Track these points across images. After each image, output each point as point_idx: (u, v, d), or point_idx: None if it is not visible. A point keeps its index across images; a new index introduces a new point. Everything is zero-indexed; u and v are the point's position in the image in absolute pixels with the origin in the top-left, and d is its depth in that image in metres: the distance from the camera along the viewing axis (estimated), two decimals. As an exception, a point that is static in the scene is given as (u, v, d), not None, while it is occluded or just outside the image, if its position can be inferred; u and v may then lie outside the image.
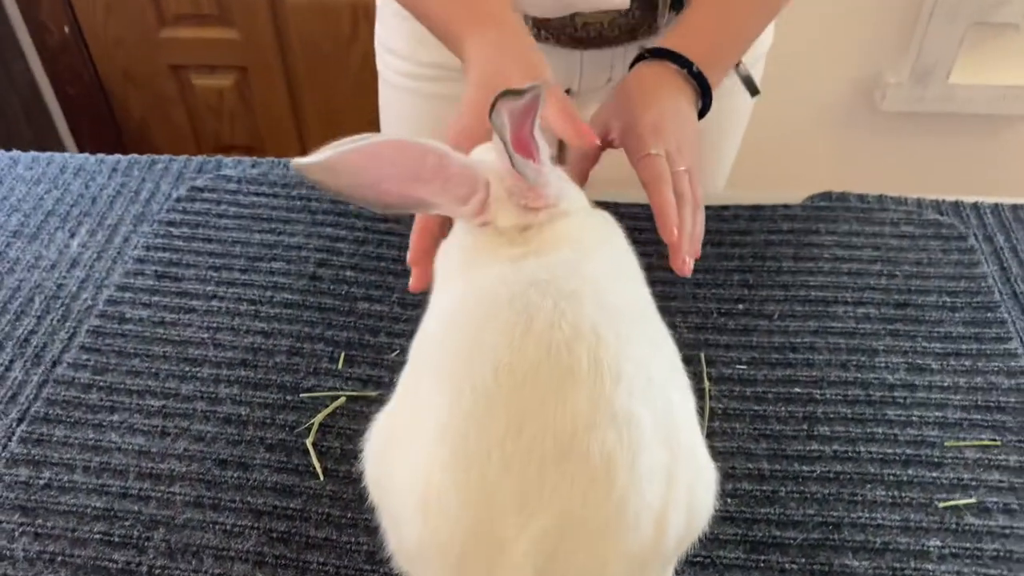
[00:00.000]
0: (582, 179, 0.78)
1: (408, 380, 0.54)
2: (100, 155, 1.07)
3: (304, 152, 0.55)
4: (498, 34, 0.69)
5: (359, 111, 2.00)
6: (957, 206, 0.98)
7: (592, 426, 0.44)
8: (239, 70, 2.03)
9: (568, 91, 1.07)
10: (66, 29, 1.96)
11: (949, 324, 0.84)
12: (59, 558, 0.67)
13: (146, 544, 0.68)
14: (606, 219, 0.61)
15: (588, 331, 0.47)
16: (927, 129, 1.85)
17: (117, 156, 1.06)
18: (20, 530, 0.69)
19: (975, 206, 0.98)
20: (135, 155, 1.06)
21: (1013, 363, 0.80)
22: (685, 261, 0.67)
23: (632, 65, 0.79)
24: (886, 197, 0.98)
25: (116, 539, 0.69)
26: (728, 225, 0.95)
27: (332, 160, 0.53)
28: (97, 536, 0.69)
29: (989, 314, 0.85)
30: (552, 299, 0.48)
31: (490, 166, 0.57)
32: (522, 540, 0.44)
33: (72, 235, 0.96)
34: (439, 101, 1.02)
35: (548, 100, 0.64)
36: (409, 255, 0.66)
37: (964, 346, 0.82)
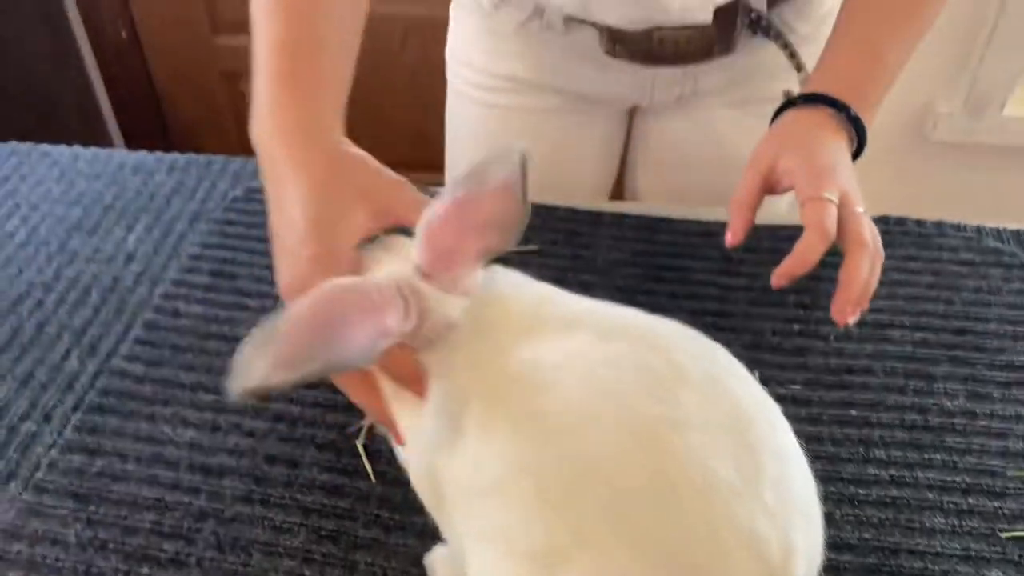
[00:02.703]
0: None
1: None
2: (158, 153, 1.08)
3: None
4: (321, 151, 0.57)
5: (406, 125, 2.01)
6: (1019, 235, 0.96)
7: None
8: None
9: (636, 107, 1.06)
10: (123, 34, 2.01)
11: (1011, 353, 0.82)
12: (110, 545, 0.68)
13: (195, 536, 0.69)
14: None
15: None
16: (979, 160, 1.83)
17: (175, 155, 1.08)
18: (73, 516, 0.70)
19: (1037, 235, 0.96)
20: (192, 154, 1.08)
21: (1077, 395, 0.78)
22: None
23: (777, 114, 0.78)
24: (945, 223, 0.97)
25: (167, 529, 0.69)
26: (786, 245, 0.94)
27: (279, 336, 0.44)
28: (148, 525, 0.69)
29: (1052, 344, 0.83)
30: None
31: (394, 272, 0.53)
32: None
33: (129, 230, 0.97)
34: (510, 112, 1.03)
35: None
36: None
37: (1026, 376, 0.80)
